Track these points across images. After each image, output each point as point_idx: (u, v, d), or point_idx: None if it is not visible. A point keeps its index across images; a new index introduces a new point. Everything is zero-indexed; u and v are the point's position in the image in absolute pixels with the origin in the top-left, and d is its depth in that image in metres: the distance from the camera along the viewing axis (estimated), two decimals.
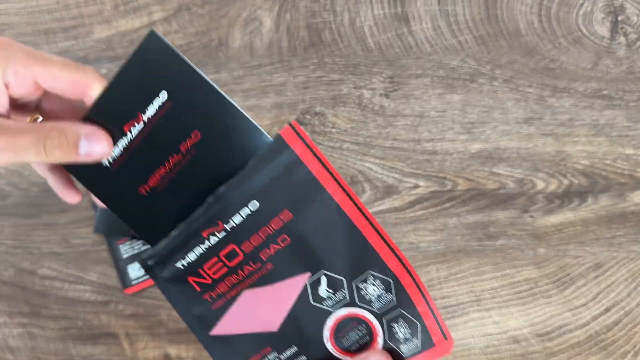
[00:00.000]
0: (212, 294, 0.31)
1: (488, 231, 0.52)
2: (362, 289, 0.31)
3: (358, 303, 0.31)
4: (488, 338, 0.50)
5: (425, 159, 0.53)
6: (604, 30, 0.54)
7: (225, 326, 0.32)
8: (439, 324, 0.31)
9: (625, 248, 0.51)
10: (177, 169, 0.29)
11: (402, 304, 0.31)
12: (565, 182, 0.52)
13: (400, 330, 0.31)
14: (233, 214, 0.30)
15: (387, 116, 0.54)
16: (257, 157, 0.29)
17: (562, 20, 0.55)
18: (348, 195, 0.30)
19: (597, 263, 0.51)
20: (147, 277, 0.51)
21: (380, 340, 0.32)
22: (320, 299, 0.31)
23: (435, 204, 0.52)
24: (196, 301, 0.31)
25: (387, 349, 0.32)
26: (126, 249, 0.51)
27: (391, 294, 0.31)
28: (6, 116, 0.28)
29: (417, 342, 0.31)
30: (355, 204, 0.29)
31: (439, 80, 0.54)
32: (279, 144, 0.29)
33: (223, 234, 0.30)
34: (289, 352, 0.32)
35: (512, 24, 0.55)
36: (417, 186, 0.53)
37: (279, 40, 0.55)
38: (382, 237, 0.30)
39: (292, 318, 0.31)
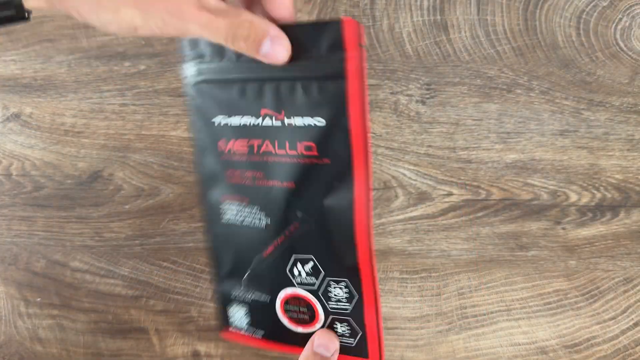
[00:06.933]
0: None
1: (520, 242, 0.52)
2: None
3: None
4: (516, 348, 0.51)
5: (459, 167, 0.53)
6: None
7: None
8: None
9: None
10: None
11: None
12: (598, 195, 0.53)
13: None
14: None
15: (423, 123, 0.54)
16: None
17: (600, 34, 0.55)
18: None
19: (627, 277, 0.51)
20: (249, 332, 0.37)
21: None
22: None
23: (468, 213, 0.52)
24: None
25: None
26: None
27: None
28: None
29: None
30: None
31: (476, 89, 0.54)
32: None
33: None
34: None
35: (550, 36, 0.55)
36: (450, 194, 0.53)
37: None
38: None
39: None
